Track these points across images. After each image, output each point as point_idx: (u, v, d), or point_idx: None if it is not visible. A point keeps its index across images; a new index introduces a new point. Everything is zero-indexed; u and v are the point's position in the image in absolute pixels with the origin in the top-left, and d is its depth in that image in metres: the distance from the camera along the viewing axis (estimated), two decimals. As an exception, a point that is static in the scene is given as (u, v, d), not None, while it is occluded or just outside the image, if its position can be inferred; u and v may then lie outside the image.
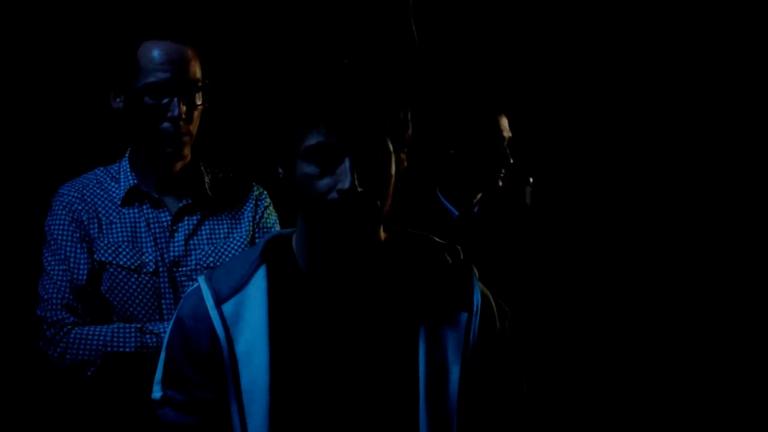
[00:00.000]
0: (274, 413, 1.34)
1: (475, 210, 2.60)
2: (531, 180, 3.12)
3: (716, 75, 3.25)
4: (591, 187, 3.39)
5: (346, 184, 1.29)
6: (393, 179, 1.36)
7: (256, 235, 1.97)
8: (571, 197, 3.37)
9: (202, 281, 1.43)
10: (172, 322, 1.45)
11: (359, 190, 1.30)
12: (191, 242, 1.92)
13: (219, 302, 1.39)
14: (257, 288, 1.40)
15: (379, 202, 1.34)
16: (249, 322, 1.38)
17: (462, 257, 1.47)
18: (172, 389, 1.42)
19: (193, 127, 1.90)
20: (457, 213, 2.58)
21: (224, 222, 1.96)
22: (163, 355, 1.45)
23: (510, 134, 2.57)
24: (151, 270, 1.87)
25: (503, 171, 2.56)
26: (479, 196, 2.60)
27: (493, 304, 1.44)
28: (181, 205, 1.94)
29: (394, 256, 1.44)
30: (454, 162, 2.55)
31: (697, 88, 3.27)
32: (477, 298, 1.40)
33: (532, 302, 2.49)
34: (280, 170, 1.40)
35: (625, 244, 3.29)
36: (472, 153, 2.53)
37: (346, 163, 1.30)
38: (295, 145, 1.34)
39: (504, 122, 2.56)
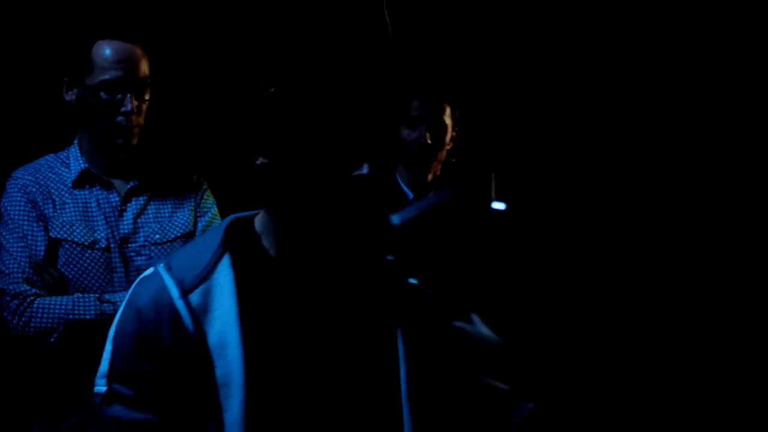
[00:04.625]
0: (250, 406, 1.27)
1: (430, 194, 2.75)
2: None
3: (710, 73, 3.23)
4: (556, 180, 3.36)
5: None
6: None
7: (198, 214, 2.19)
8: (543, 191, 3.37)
9: (162, 270, 1.32)
10: (121, 312, 1.33)
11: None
12: (139, 220, 2.12)
13: (185, 292, 1.30)
14: (225, 276, 1.31)
15: None
16: (219, 312, 1.29)
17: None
18: (120, 383, 1.29)
19: (142, 120, 2.11)
20: (411, 196, 2.75)
21: (168, 202, 2.17)
22: (109, 347, 1.32)
23: (450, 122, 2.72)
24: (103, 246, 2.07)
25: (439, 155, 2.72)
26: (430, 178, 2.77)
27: None
28: (129, 186, 2.14)
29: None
30: (406, 146, 2.70)
31: (689, 84, 3.26)
32: None
33: (485, 288, 2.72)
34: (260, 160, 1.31)
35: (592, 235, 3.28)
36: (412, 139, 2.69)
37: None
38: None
39: (447, 110, 2.72)
